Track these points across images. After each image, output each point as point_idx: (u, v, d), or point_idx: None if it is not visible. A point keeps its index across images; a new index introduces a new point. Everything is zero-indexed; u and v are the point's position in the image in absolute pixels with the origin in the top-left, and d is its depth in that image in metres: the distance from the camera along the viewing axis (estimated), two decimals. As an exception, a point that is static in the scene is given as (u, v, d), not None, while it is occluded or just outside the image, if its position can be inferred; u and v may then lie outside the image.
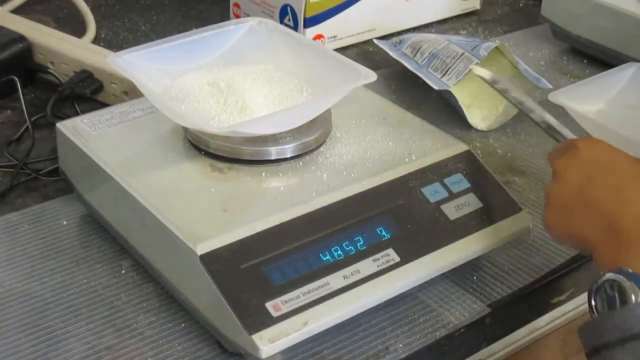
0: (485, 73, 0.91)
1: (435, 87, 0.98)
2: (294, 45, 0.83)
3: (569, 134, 0.78)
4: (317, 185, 0.72)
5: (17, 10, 1.17)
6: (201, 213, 0.69)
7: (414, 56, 1.04)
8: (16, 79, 0.96)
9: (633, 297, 0.59)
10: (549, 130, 0.80)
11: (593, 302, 0.61)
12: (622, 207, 0.64)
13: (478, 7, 1.32)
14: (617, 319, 0.59)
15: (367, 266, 0.68)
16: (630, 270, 0.60)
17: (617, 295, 0.60)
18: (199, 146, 0.75)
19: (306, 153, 0.75)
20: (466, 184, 0.76)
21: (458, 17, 1.30)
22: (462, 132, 0.99)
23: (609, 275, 0.60)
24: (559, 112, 0.97)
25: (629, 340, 0.58)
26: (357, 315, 0.67)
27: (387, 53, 1.08)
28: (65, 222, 0.80)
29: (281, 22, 1.14)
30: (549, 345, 0.86)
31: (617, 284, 0.60)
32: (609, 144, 0.70)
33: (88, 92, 0.97)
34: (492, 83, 0.89)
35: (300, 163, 0.75)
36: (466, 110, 0.99)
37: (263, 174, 0.73)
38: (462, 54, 0.98)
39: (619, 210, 0.64)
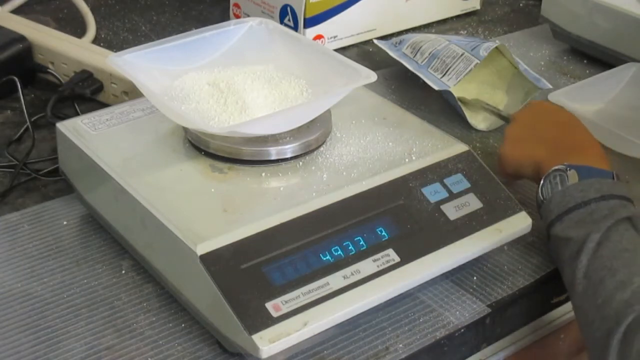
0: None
1: (435, 87, 0.98)
2: (294, 46, 0.83)
3: None
4: (317, 185, 0.72)
5: (17, 10, 1.17)
6: (201, 213, 0.69)
7: (414, 56, 1.04)
8: (16, 79, 0.96)
9: (572, 179, 0.74)
10: None
11: (540, 193, 0.76)
12: (563, 134, 0.82)
13: (478, 7, 1.32)
14: (556, 198, 0.74)
15: (367, 266, 0.68)
16: (570, 163, 0.75)
17: (559, 182, 0.75)
18: (199, 146, 0.75)
19: (306, 153, 0.75)
20: (466, 184, 0.76)
21: (458, 17, 1.30)
22: (462, 132, 0.99)
23: (554, 167, 0.76)
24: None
25: (565, 213, 0.73)
26: (357, 315, 0.67)
27: (387, 53, 1.08)
28: (65, 222, 0.80)
29: (281, 22, 1.14)
30: (549, 345, 0.86)
31: (559, 173, 0.75)
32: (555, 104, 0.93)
33: (88, 92, 0.97)
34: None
35: (300, 163, 0.75)
36: (466, 110, 0.99)
37: (263, 174, 0.73)
38: (462, 54, 0.98)
39: (560, 136, 0.82)
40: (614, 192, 0.73)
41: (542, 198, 0.76)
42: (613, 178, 0.75)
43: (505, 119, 0.93)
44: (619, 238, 0.70)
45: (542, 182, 0.77)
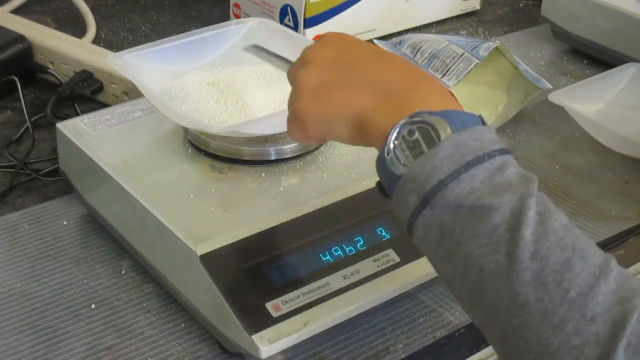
0: None
1: (435, 87, 0.98)
2: (294, 46, 0.83)
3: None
4: (317, 185, 0.72)
5: (17, 10, 1.17)
6: (201, 213, 0.69)
7: (414, 56, 1.04)
8: (16, 79, 0.96)
9: (442, 129, 0.53)
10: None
11: (388, 156, 0.54)
12: (386, 71, 0.59)
13: (478, 7, 1.32)
14: (444, 152, 0.52)
15: (367, 266, 0.68)
16: (424, 110, 0.54)
17: (420, 138, 0.53)
18: (199, 146, 0.75)
19: (306, 153, 0.75)
20: (466, 184, 0.76)
21: (458, 17, 1.30)
22: (462, 132, 0.98)
23: (404, 121, 0.54)
24: (559, 112, 0.97)
25: (465, 168, 0.52)
26: (357, 316, 0.67)
27: (387, 53, 1.08)
28: (65, 222, 0.80)
29: (281, 22, 1.14)
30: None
31: (417, 126, 0.54)
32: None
33: (88, 92, 0.97)
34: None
35: (301, 163, 0.75)
36: (466, 110, 0.98)
37: (263, 174, 0.73)
38: (462, 54, 0.98)
39: (384, 74, 0.59)
40: (502, 143, 0.54)
41: (398, 160, 0.54)
42: (482, 122, 0.56)
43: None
44: (553, 206, 0.52)
45: (391, 140, 0.54)
